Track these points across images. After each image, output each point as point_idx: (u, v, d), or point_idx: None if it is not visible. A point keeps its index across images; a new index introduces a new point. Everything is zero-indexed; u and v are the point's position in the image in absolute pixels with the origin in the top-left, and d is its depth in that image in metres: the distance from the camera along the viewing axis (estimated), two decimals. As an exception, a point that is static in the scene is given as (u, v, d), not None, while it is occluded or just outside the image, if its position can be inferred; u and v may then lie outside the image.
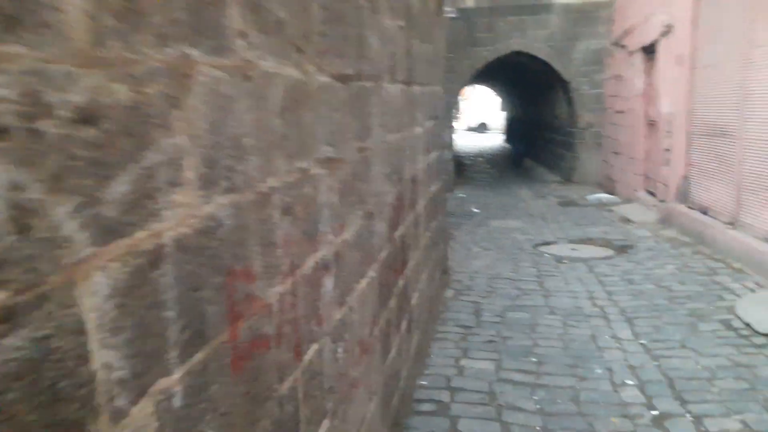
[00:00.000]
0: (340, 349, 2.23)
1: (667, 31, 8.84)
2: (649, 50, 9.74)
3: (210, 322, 1.24)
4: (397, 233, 3.43)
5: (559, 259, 7.07)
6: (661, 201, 8.91)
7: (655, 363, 4.12)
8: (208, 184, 1.23)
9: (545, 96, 15.69)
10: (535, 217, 9.83)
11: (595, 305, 5.40)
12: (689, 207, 7.96)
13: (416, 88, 4.13)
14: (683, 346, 4.35)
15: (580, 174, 13.29)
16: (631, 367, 4.07)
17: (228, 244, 1.31)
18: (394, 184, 3.33)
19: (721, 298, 5.30)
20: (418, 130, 4.30)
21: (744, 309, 4.85)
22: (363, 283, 2.56)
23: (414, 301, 4.04)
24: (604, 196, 11.37)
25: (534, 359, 4.24)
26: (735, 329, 4.60)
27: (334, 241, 2.14)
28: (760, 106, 6.25)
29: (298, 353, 1.78)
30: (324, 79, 1.99)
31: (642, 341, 4.51)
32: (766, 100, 6.10)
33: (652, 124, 9.74)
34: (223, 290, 1.29)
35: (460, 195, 12.22)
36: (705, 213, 7.44)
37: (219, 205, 1.27)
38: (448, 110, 12.61)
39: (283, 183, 1.64)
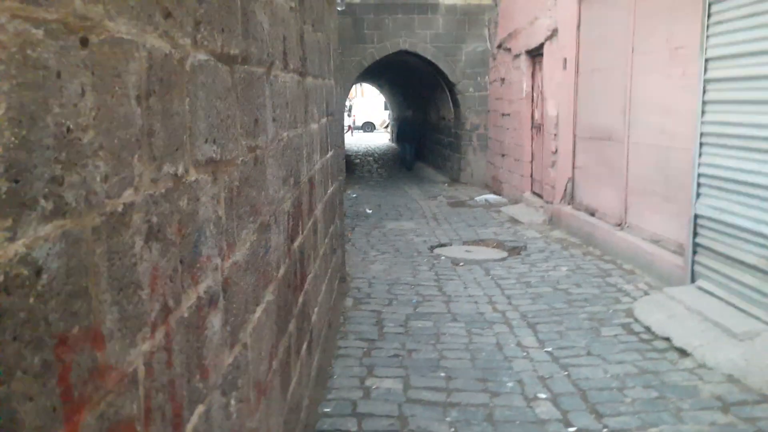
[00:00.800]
0: (233, 401, 1.77)
1: (552, 35, 9.00)
2: (535, 53, 9.92)
3: (26, 429, 0.77)
4: (296, 244, 3.00)
5: (455, 262, 6.91)
6: (548, 202, 9.07)
7: (564, 373, 3.97)
8: (15, 207, 0.75)
9: (432, 97, 15.75)
10: (427, 218, 9.70)
11: (496, 310, 5.24)
12: (576, 209, 8.12)
13: (310, 80, 3.70)
14: (589, 353, 4.26)
15: (467, 175, 13.41)
16: (542, 379, 3.90)
17: (56, 299, 0.84)
18: (291, 188, 2.90)
19: (618, 301, 5.33)
20: (314, 126, 3.88)
21: (642, 312, 4.87)
22: (259, 311, 2.11)
23: (314, 317, 3.62)
24: (491, 197, 11.50)
25: (443, 374, 3.95)
26: (636, 333, 4.58)
27: (222, 265, 1.68)
28: (643, 112, 6.41)
29: (178, 425, 1.32)
30: (202, 57, 1.53)
31: (548, 349, 4.37)
32: (650, 105, 6.26)
33: (537, 127, 9.93)
34: (50, 372, 0.82)
35: (353, 195, 11.89)
36: (592, 215, 7.60)
37: (36, 239, 0.80)
38: (340, 107, 12.27)
39: (147, 197, 1.17)
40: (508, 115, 11.34)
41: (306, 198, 3.42)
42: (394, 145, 24.74)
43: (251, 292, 2.00)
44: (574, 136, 8.24)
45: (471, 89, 13.10)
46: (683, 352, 4.18)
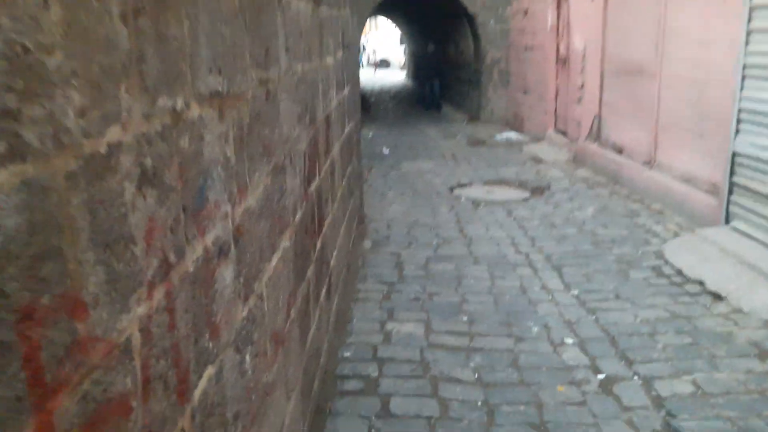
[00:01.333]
0: (248, 357, 1.64)
1: (581, -40, 8.46)
2: (561, -19, 9.38)
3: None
4: (313, 187, 2.83)
5: (476, 203, 6.72)
6: (573, 140, 8.76)
7: (592, 317, 3.84)
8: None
9: (450, 30, 15.15)
10: (446, 158, 9.45)
11: (519, 252, 5.08)
12: (602, 146, 7.82)
13: (324, 9, 3.44)
14: (617, 297, 4.11)
15: (487, 112, 13.02)
16: (568, 323, 3.77)
17: (15, 264, 0.67)
18: (306, 126, 2.70)
19: (647, 242, 5.13)
20: (330, 60, 3.64)
21: (673, 254, 4.69)
22: (275, 259, 1.96)
23: (333, 261, 3.49)
24: (512, 135, 11.18)
25: (465, 318, 3.84)
26: (667, 276, 4.41)
27: (233, 213, 1.51)
28: (679, 44, 6.01)
29: (184, 392, 1.18)
30: (205, -30, 1.32)
31: (574, 292, 4.22)
32: (686, 37, 5.86)
33: (563, 61, 9.49)
34: (10, 355, 0.66)
35: (369, 135, 11.63)
36: (620, 152, 7.31)
37: (-16, 188, 0.63)
38: (356, 40, 11.83)
39: (139, 135, 0.99)
40: (532, 48, 10.87)
41: (322, 137, 3.22)
42: (410, 82, 24.16)
43: (266, 239, 1.85)
44: (602, 70, 7.84)
45: (492, 22, 12.55)
46: (717, 297, 4.01)
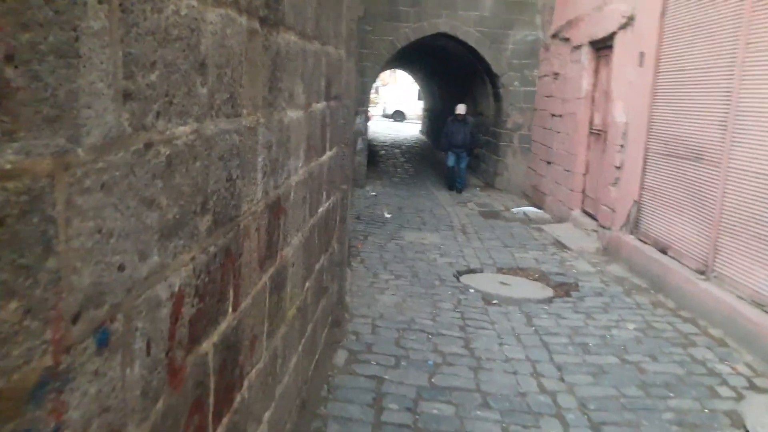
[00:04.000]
0: None
1: (627, 23, 7.37)
2: (600, 45, 8.28)
3: None
4: (202, 349, 1.55)
5: (488, 299, 5.41)
6: (604, 227, 7.48)
7: None
8: None
9: (471, 89, 14.09)
10: (455, 229, 8.19)
11: (543, 390, 3.75)
12: (641, 240, 6.53)
13: (290, 38, 2.23)
14: (693, 500, 2.76)
15: (503, 180, 11.81)
16: None
17: None
18: (203, 237, 1.44)
19: (715, 393, 3.78)
20: (294, 114, 2.42)
21: (758, 424, 3.33)
22: None
23: (258, 434, 2.17)
24: (530, 210, 9.94)
25: None
26: (759, 464, 3.07)
27: None
28: (753, 128, 4.80)
29: None
30: None
31: (625, 480, 2.88)
32: (764, 120, 4.66)
33: (597, 134, 8.31)
34: None
35: (372, 193, 10.43)
36: (664, 252, 6.02)
37: None
38: (363, 91, 10.70)
39: None
40: (560, 116, 9.71)
41: (257, 240, 1.96)
42: (423, 137, 23.19)
43: None
44: (647, 149, 6.63)
45: (516, 83, 11.47)
46: None
